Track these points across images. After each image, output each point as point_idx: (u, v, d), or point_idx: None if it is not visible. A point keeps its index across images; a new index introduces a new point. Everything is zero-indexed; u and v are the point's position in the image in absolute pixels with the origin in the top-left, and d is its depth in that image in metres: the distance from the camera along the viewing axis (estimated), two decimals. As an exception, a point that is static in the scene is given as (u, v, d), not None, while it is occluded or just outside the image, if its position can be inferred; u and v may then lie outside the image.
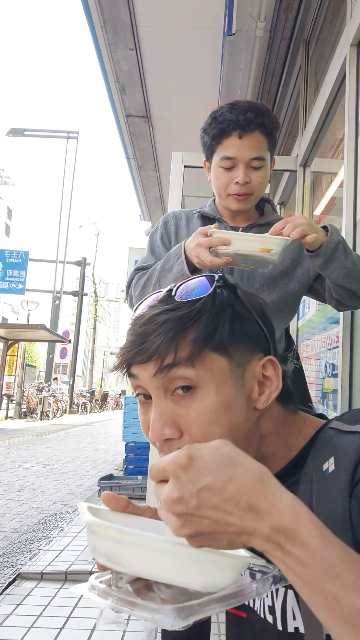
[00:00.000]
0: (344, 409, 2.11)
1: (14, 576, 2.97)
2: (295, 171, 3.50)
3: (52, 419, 18.83)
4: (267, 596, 0.71)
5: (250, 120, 1.48)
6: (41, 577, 3.00)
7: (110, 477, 5.68)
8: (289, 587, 0.67)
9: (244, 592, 0.56)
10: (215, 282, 0.70)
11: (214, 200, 1.71)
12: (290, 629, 0.67)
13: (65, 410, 21.30)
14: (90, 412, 25.07)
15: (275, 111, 4.01)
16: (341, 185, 2.31)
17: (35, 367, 31.26)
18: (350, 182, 2.15)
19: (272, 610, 0.70)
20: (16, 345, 18.63)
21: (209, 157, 1.60)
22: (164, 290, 0.72)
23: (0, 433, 12.61)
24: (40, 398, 18.69)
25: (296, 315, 3.35)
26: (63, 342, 21.93)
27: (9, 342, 18.07)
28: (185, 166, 3.33)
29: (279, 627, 0.67)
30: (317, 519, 0.50)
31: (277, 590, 0.69)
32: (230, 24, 2.84)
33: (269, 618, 0.69)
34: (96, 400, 28.61)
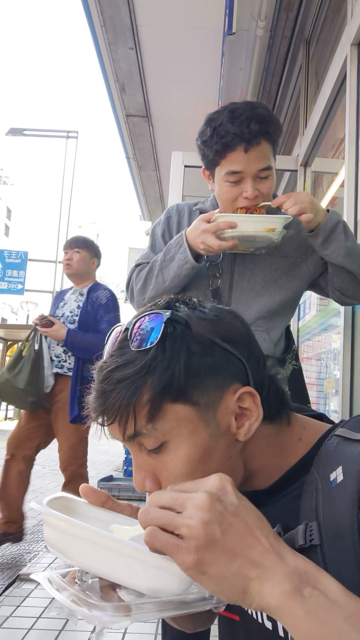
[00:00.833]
0: (344, 410, 2.10)
1: (14, 578, 2.96)
2: (296, 171, 3.51)
3: (51, 419, 18.79)
4: None
5: (255, 132, 1.40)
6: (41, 578, 2.99)
7: (110, 478, 5.66)
8: None
9: (191, 603, 0.56)
10: (163, 324, 0.63)
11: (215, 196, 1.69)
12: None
13: (65, 410, 21.24)
14: (89, 413, 25.03)
15: (276, 111, 4.01)
16: (342, 185, 2.30)
17: (34, 367, 31.12)
18: (351, 182, 2.15)
19: (271, 617, 0.69)
20: (15, 345, 18.63)
21: (210, 168, 1.53)
22: (123, 328, 0.68)
23: (-1, 433, 12.60)
24: (40, 398, 18.65)
25: (296, 315, 3.36)
26: (62, 342, 21.88)
27: (8, 343, 18.04)
28: (185, 166, 3.34)
29: (280, 633, 0.66)
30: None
31: None
32: (230, 23, 2.83)
33: (268, 624, 0.68)
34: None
